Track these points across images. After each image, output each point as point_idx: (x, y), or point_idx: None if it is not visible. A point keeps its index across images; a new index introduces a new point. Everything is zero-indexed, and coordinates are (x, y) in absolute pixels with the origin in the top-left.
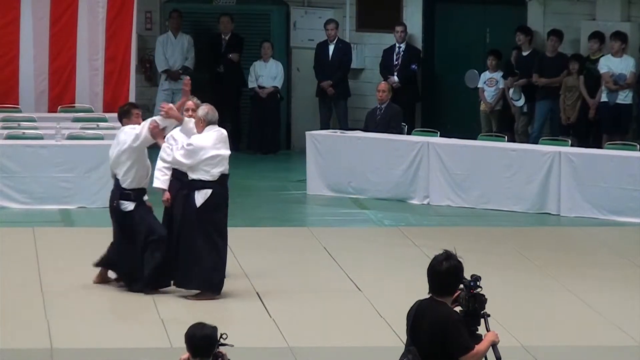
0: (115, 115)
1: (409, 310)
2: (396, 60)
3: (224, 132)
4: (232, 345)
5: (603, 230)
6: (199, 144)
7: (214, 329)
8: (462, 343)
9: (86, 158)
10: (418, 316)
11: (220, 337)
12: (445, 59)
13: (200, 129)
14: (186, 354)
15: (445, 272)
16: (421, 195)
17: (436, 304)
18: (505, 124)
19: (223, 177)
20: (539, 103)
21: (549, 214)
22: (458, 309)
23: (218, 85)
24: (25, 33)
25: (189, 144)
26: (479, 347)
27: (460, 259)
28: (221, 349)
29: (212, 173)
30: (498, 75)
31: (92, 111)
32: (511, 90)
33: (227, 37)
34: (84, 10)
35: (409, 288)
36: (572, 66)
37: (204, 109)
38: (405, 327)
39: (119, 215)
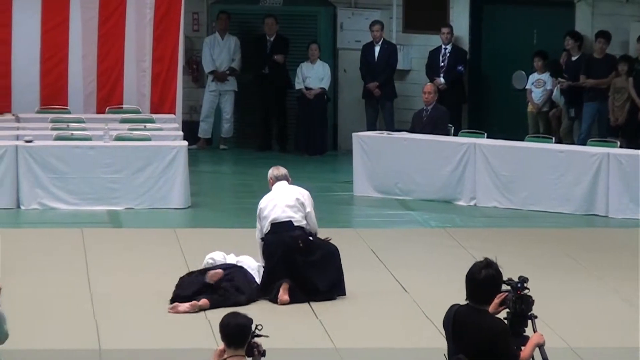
0: (161, 116)
1: (446, 316)
2: (442, 62)
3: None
4: (268, 336)
5: None
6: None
7: (249, 319)
8: (511, 353)
9: (133, 159)
10: (459, 324)
11: (256, 328)
12: (492, 60)
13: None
14: (222, 345)
15: (483, 281)
16: (468, 197)
17: (478, 313)
18: (553, 126)
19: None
20: (587, 105)
21: (597, 215)
22: (505, 311)
23: (263, 87)
24: (74, 34)
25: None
26: (523, 354)
27: (500, 268)
28: (256, 340)
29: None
30: (546, 76)
31: (140, 112)
32: (555, 90)
33: (272, 39)
34: (131, 12)
35: (456, 289)
36: (621, 67)
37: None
38: (444, 333)
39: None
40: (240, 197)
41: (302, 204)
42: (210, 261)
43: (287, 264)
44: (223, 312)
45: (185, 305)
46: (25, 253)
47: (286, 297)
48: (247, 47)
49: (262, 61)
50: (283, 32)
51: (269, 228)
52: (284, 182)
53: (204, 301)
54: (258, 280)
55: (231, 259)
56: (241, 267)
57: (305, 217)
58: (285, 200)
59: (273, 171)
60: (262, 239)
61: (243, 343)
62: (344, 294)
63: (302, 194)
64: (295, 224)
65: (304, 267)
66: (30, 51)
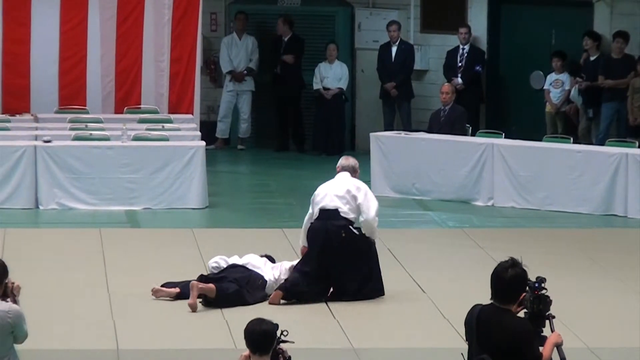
0: (179, 116)
1: (468, 316)
2: (460, 62)
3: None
4: (293, 342)
5: None
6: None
7: (274, 325)
8: (535, 353)
9: (151, 159)
10: (483, 324)
11: (281, 334)
12: (510, 60)
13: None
14: (247, 351)
15: (509, 280)
16: (485, 197)
17: (503, 313)
18: (571, 126)
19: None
20: (605, 105)
21: (616, 215)
22: (523, 311)
23: (278, 87)
24: (92, 34)
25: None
26: (544, 354)
27: (525, 267)
28: (282, 345)
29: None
30: (564, 76)
31: (158, 112)
32: (573, 90)
33: (286, 39)
34: (150, 12)
35: (473, 290)
36: (639, 67)
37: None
38: (465, 332)
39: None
40: (257, 197)
41: (354, 197)
42: (215, 264)
43: (322, 263)
44: (242, 313)
45: (193, 297)
46: (44, 253)
47: (275, 302)
48: (265, 47)
49: (275, 61)
50: (301, 32)
51: (317, 214)
52: (347, 174)
53: (209, 285)
54: (265, 276)
55: (234, 261)
56: (247, 268)
57: (358, 208)
58: (336, 190)
59: (342, 160)
60: (311, 223)
61: (268, 349)
62: (376, 295)
63: (356, 186)
64: (342, 214)
65: (336, 267)
66: (49, 51)
